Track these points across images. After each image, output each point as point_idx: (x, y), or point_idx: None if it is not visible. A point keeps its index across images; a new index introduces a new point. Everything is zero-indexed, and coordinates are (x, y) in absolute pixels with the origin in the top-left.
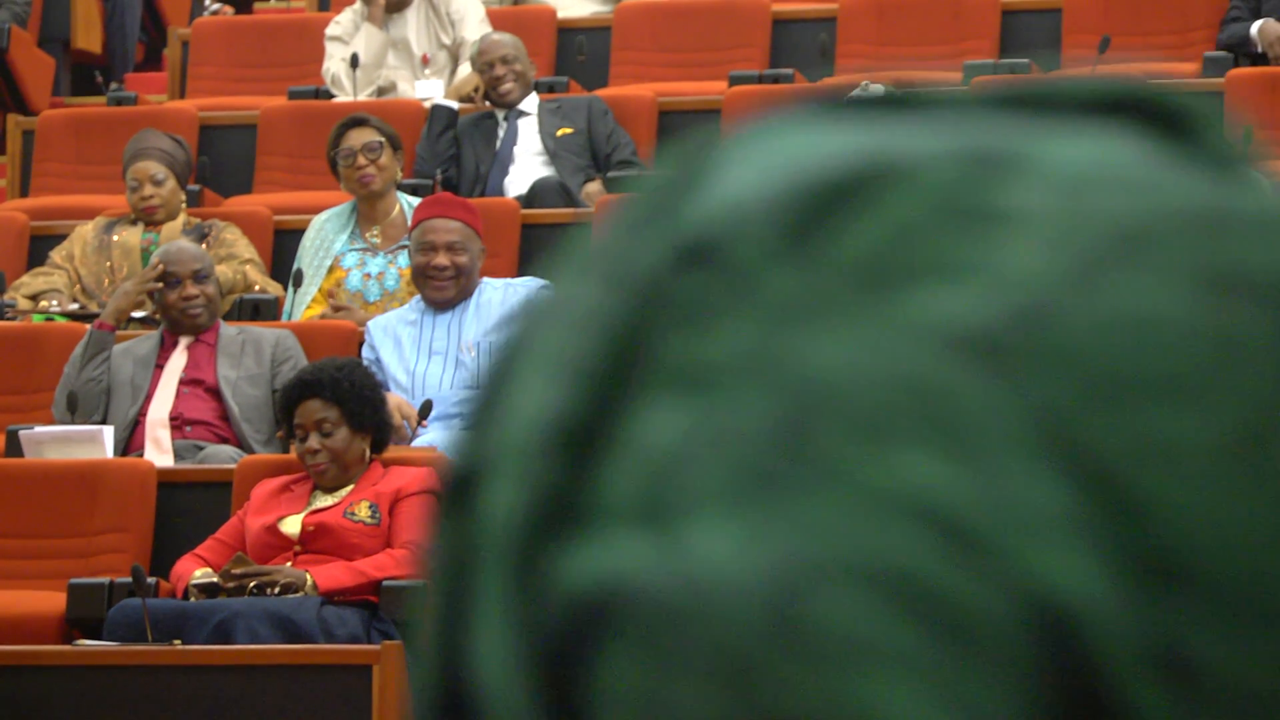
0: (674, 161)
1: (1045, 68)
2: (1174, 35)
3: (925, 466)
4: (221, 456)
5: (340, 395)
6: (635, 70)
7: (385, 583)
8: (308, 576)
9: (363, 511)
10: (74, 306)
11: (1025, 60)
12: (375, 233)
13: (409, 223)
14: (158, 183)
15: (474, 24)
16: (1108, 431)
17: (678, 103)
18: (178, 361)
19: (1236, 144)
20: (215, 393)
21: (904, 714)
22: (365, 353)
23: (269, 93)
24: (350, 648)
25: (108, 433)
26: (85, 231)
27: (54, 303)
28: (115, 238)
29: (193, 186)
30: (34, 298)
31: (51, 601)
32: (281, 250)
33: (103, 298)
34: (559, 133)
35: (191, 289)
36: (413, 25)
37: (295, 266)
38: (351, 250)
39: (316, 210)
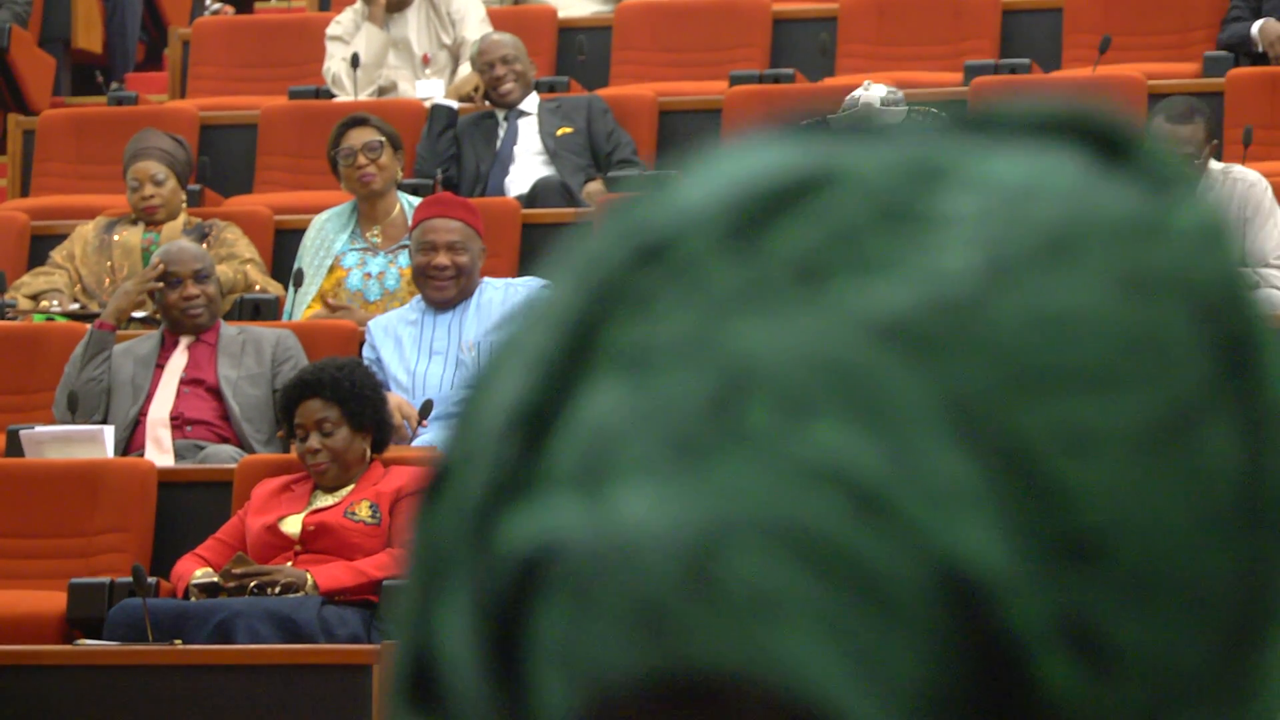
0: (653, 180)
1: (1045, 68)
2: (1174, 35)
3: (841, 438)
4: (222, 456)
5: (341, 395)
6: (636, 70)
7: (386, 582)
8: (308, 576)
9: (363, 511)
10: (74, 306)
11: (1025, 60)
12: (376, 232)
13: (409, 222)
14: (158, 182)
15: (474, 24)
16: (1024, 417)
17: (678, 103)
18: (178, 361)
19: (1169, 163)
20: (216, 392)
21: (806, 661)
22: (366, 352)
23: (269, 92)
24: (350, 648)
25: (108, 432)
26: (86, 231)
27: (54, 302)
28: (116, 237)
29: (193, 186)
30: (34, 297)
31: (52, 601)
32: (282, 250)
33: (103, 297)
34: (559, 132)
35: (192, 289)
36: (413, 25)
37: (296, 266)
38: (352, 250)
39: (317, 210)
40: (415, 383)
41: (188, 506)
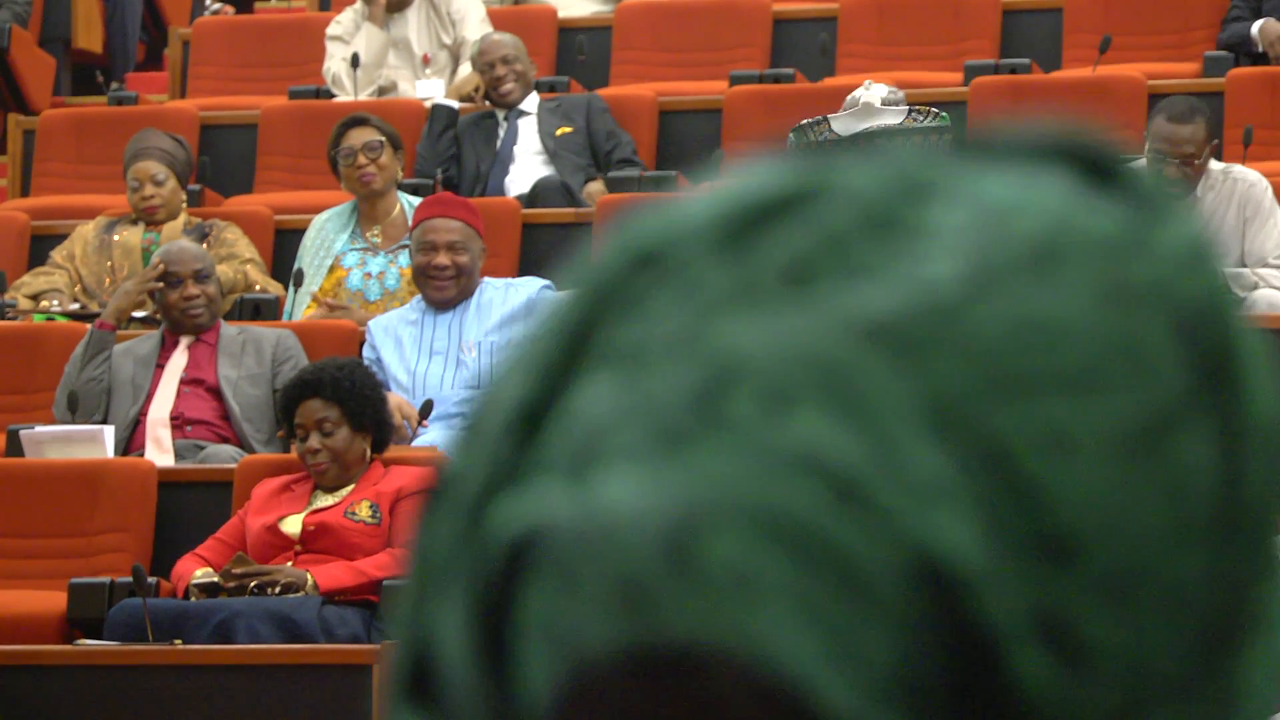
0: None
1: (1045, 68)
2: (1174, 35)
3: (821, 429)
4: (222, 456)
5: (341, 395)
6: (636, 70)
7: (386, 582)
8: (308, 576)
9: (363, 511)
10: (75, 306)
11: (1025, 60)
12: (376, 232)
13: (410, 222)
14: (158, 182)
15: (474, 24)
16: (1002, 417)
17: (678, 102)
18: (178, 361)
19: (1156, 186)
20: (216, 392)
21: (780, 637)
22: (366, 352)
23: (270, 92)
24: (351, 648)
25: (108, 432)
26: (86, 231)
27: (55, 302)
28: (116, 237)
29: (193, 186)
30: (35, 297)
31: (52, 601)
32: (282, 250)
33: (103, 297)
34: (558, 132)
35: (192, 289)
36: (413, 25)
37: (296, 266)
38: (352, 250)
39: (317, 210)
40: (415, 383)
41: (188, 506)
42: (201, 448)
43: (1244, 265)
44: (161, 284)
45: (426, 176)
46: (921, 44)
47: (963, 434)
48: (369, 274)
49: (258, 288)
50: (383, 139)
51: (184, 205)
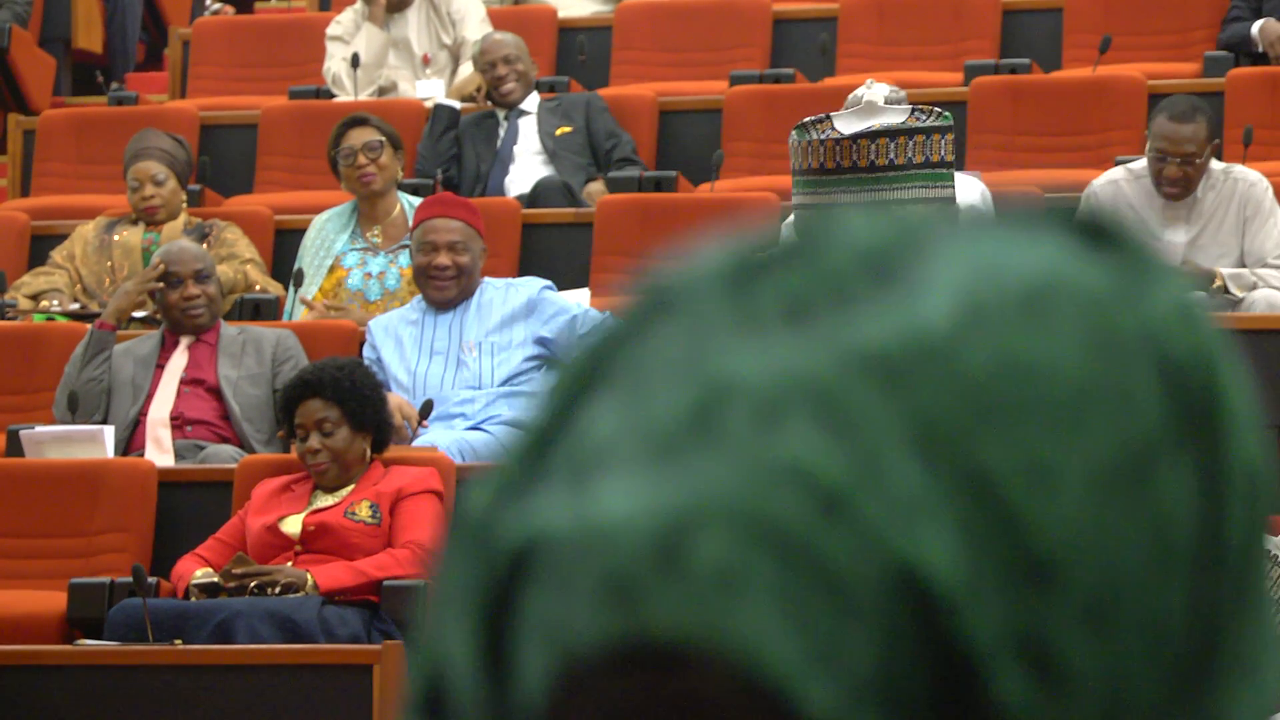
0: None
1: (1045, 68)
2: (1174, 35)
3: (810, 444)
4: (222, 456)
5: (341, 395)
6: (636, 70)
7: (386, 582)
8: (308, 576)
9: (363, 511)
10: (75, 306)
11: (1025, 60)
12: (376, 232)
13: (410, 222)
14: (158, 183)
15: (475, 24)
16: (987, 446)
17: (678, 102)
18: (178, 361)
19: (1149, 252)
20: (216, 392)
21: (763, 637)
22: (366, 352)
23: (270, 92)
24: (351, 648)
25: (108, 432)
26: (86, 231)
27: (55, 302)
28: (116, 237)
29: (193, 186)
30: (35, 297)
31: (52, 601)
32: (282, 250)
33: (103, 297)
34: (558, 131)
35: (193, 289)
36: (413, 25)
37: (296, 266)
38: (352, 250)
39: (317, 210)
40: (416, 383)
41: (188, 506)
42: (201, 448)
43: (1244, 265)
44: (162, 284)
45: (427, 176)
46: (921, 44)
47: (947, 458)
48: (369, 274)
49: (258, 288)
50: (383, 139)
51: (184, 205)
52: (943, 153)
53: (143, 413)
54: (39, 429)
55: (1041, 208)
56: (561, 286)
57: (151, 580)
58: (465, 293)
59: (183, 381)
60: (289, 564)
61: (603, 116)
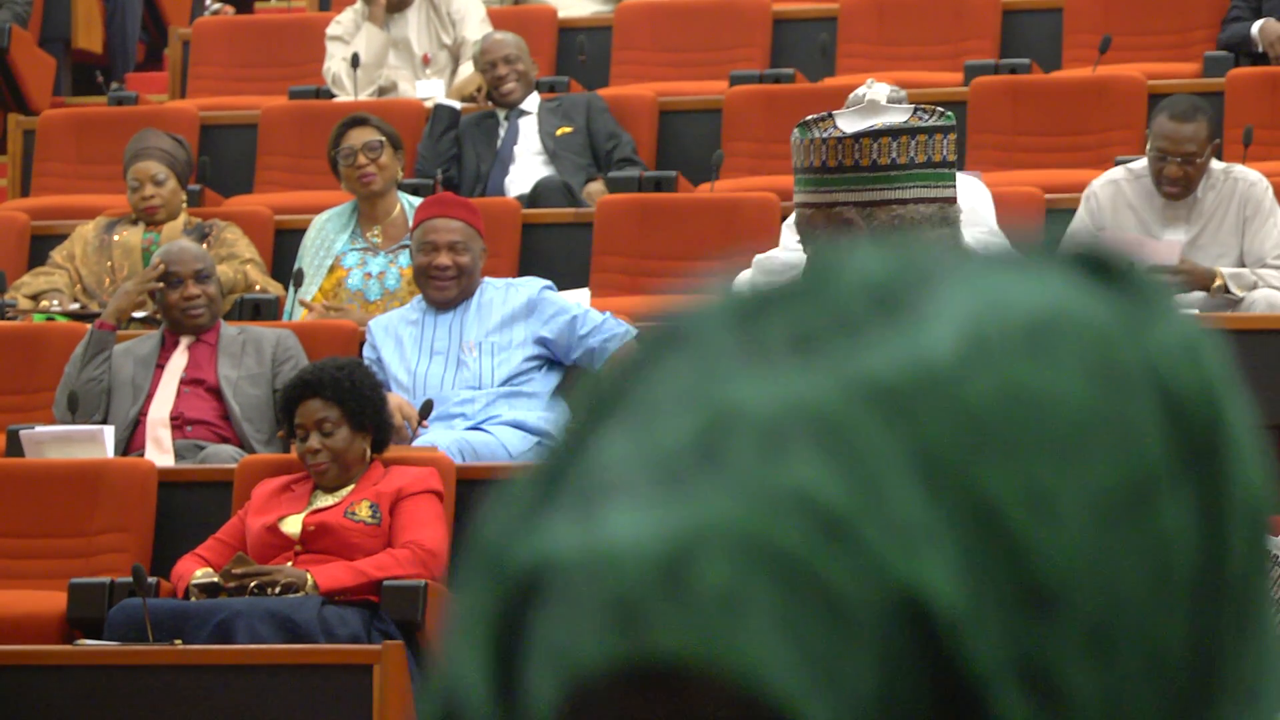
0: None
1: (1045, 68)
2: (1174, 35)
3: (813, 471)
4: (222, 456)
5: (341, 395)
6: (636, 70)
7: (386, 582)
8: (308, 576)
9: (363, 511)
10: (75, 306)
11: (1025, 60)
12: (376, 232)
13: (410, 222)
14: (158, 182)
15: (475, 24)
16: (989, 475)
17: (678, 102)
18: (178, 361)
19: (1156, 287)
20: (216, 392)
21: (765, 658)
22: (366, 352)
23: (270, 92)
24: (351, 648)
25: (108, 432)
26: (86, 231)
27: (55, 302)
28: (116, 237)
29: (193, 186)
30: (35, 297)
31: (52, 601)
32: (282, 250)
33: (103, 297)
34: (558, 132)
35: (193, 289)
36: (413, 25)
37: (296, 266)
38: (352, 250)
39: (317, 210)
40: (416, 383)
41: (188, 506)
42: (201, 448)
43: (1244, 265)
44: (162, 284)
45: (427, 176)
46: (921, 44)
47: (950, 486)
48: (369, 274)
49: (258, 288)
50: (383, 139)
51: (184, 205)
52: (945, 152)
53: (143, 413)
54: (39, 429)
55: (1047, 240)
56: (561, 286)
57: (151, 580)
58: (465, 293)
59: (183, 381)
60: (289, 564)
61: (603, 117)
